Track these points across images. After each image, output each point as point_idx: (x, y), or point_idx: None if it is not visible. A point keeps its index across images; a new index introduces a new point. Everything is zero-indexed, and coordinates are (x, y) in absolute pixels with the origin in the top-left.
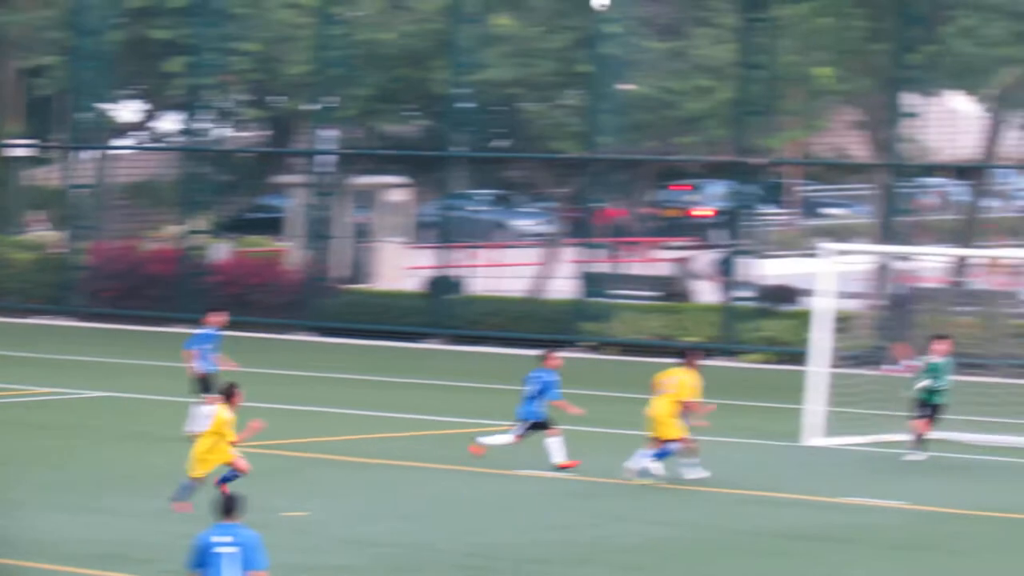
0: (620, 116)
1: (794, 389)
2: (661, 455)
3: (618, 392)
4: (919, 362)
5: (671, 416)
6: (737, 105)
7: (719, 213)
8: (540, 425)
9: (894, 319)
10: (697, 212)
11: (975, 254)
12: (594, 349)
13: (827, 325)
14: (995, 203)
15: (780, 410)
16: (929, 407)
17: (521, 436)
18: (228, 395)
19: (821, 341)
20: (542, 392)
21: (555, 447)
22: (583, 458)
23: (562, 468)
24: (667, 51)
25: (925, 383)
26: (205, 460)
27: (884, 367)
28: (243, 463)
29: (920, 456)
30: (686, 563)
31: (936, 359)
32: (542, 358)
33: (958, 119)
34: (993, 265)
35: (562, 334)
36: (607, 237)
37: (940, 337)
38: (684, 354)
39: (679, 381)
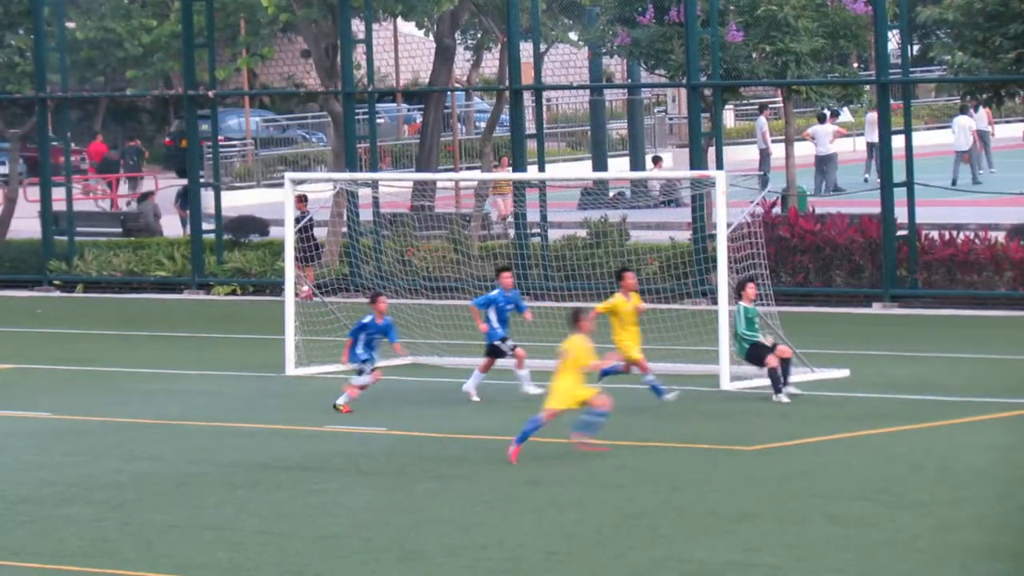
0: (68, 55)
1: (269, 320)
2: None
3: (89, 330)
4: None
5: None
6: (183, 38)
7: (177, 145)
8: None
9: (302, 244)
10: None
11: (436, 177)
12: (62, 288)
13: (293, 255)
14: (455, 126)
15: (258, 341)
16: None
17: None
18: (577, 320)
19: (291, 271)
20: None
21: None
22: (62, 396)
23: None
24: None
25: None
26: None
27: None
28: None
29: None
30: (171, 497)
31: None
32: (372, 300)
33: (410, 44)
34: (496, 190)
35: (29, 274)
36: (71, 175)
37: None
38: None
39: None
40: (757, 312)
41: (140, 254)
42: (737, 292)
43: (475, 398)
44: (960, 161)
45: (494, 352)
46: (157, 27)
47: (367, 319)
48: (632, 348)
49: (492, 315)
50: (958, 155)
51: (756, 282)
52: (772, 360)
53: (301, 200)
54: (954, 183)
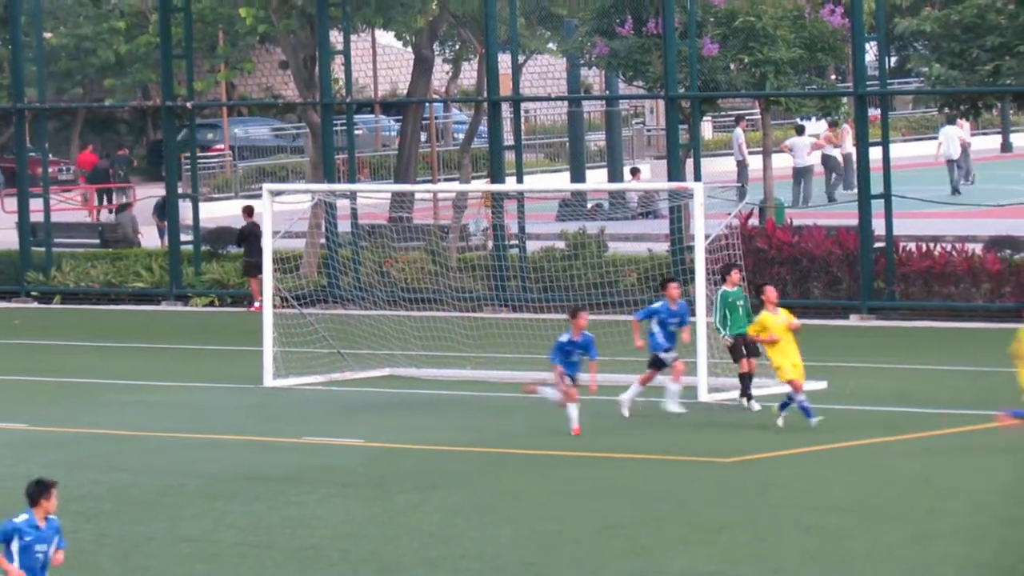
0: (45, 65)
1: (247, 331)
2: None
3: (66, 341)
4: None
5: None
6: (161, 49)
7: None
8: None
9: (250, 255)
10: (216, 149)
11: (415, 189)
12: (39, 299)
13: (271, 266)
14: (432, 138)
15: (236, 352)
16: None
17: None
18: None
19: (269, 282)
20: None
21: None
22: (39, 408)
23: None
24: None
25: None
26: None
27: (254, 306)
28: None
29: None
30: (148, 509)
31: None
32: (573, 315)
33: (389, 55)
34: (486, 203)
35: (7, 285)
36: (50, 185)
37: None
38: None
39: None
40: (742, 296)
41: (118, 265)
42: (722, 276)
43: (625, 413)
44: (954, 169)
45: (657, 363)
46: (127, 29)
47: (564, 337)
48: (789, 370)
49: (656, 328)
50: (950, 164)
51: (740, 268)
52: (747, 364)
53: (247, 212)
54: (954, 192)
